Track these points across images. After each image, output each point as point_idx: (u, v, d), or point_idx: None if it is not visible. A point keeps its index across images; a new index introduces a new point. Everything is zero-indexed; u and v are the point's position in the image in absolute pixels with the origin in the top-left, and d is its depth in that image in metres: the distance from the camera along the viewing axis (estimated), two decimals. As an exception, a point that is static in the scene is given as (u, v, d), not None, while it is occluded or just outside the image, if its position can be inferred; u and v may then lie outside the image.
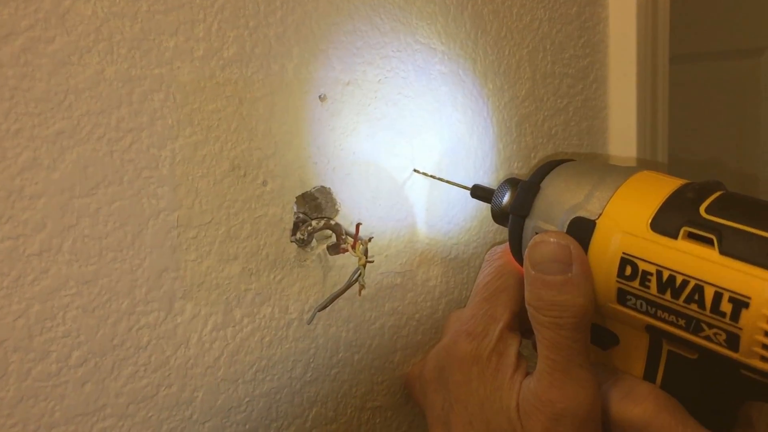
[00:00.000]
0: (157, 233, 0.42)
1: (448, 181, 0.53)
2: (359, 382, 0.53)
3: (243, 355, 0.46)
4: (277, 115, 0.46)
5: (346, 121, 0.49)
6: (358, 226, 0.48)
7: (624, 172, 0.42)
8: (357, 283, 0.48)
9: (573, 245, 0.40)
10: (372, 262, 0.50)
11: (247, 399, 0.47)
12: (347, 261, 0.50)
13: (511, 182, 0.47)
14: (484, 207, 0.58)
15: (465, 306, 0.52)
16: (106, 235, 0.40)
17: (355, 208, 0.51)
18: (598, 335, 0.43)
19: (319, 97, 0.48)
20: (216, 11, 0.43)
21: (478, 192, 0.50)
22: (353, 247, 0.48)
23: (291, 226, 0.48)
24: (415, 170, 0.54)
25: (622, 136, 0.69)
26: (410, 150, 0.53)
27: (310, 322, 0.49)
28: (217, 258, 0.44)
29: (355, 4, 0.49)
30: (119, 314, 0.41)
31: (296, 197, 0.48)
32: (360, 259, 0.48)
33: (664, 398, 0.40)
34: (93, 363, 0.40)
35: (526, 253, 0.42)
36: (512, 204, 0.45)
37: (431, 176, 0.53)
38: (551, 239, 0.41)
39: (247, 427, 0.48)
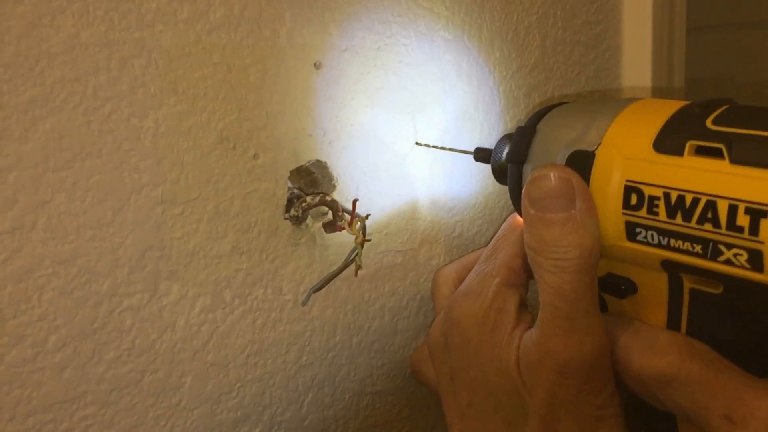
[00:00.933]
0: (139, 209, 0.39)
1: (450, 149, 0.50)
2: (358, 365, 0.51)
3: (234, 338, 0.44)
4: (268, 83, 0.43)
5: (344, 90, 0.46)
6: (354, 202, 0.46)
7: (624, 101, 0.39)
8: (353, 263, 0.46)
9: (575, 178, 0.37)
10: (369, 240, 0.47)
11: (238, 384, 0.45)
12: (345, 239, 0.48)
13: (508, 136, 0.44)
14: (489, 182, 0.55)
15: (450, 262, 0.50)
16: (84, 211, 0.37)
17: (353, 183, 0.48)
18: (612, 284, 0.39)
19: (314, 64, 0.45)
20: (201, -30, 0.39)
21: (481, 154, 0.47)
22: (350, 224, 0.45)
23: (284, 202, 0.45)
24: (417, 143, 0.51)
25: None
26: (412, 122, 0.50)
27: (305, 303, 0.46)
28: (205, 236, 0.42)
29: (353, -35, 0.45)
30: (100, 296, 0.39)
31: (290, 172, 0.45)
32: (357, 237, 0.45)
33: (689, 346, 0.36)
34: (72, 348, 0.38)
35: (524, 191, 0.38)
36: (509, 152, 0.42)
37: (433, 146, 0.50)
38: (551, 173, 0.37)
39: (238, 413, 0.45)
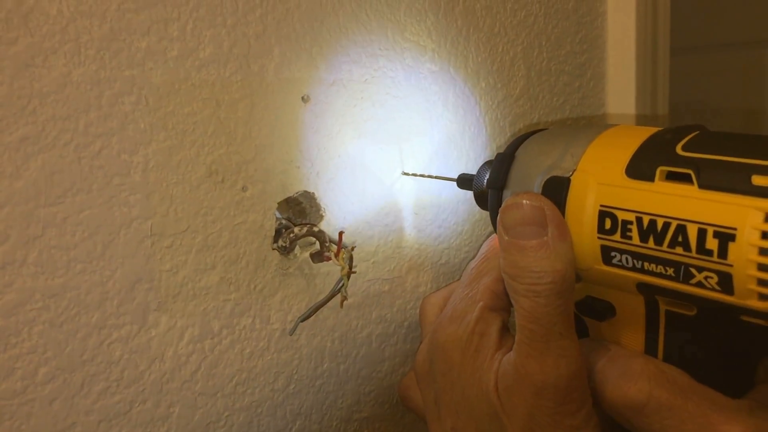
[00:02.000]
0: (129, 243, 0.40)
1: (436, 177, 0.51)
2: (345, 393, 0.52)
3: (222, 368, 0.45)
4: (256, 117, 0.44)
5: (331, 122, 0.47)
6: (341, 234, 0.46)
7: (599, 128, 0.40)
8: (339, 293, 0.47)
9: (547, 205, 0.38)
10: (355, 272, 0.48)
11: (226, 413, 0.45)
12: (332, 268, 0.48)
13: (489, 162, 0.45)
14: (475, 210, 0.56)
15: (437, 290, 0.50)
16: (74, 245, 0.38)
17: (340, 213, 0.49)
18: (591, 307, 0.40)
19: (302, 98, 0.46)
20: (191, 9, 0.40)
21: (463, 180, 0.48)
22: (336, 255, 0.46)
23: (272, 233, 0.46)
24: (404, 173, 0.52)
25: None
26: (398, 152, 0.51)
27: (292, 332, 0.47)
28: (193, 268, 0.42)
29: (340, 0, 0.46)
30: (89, 328, 0.39)
31: (279, 203, 0.46)
32: (343, 268, 0.46)
33: (659, 372, 0.37)
34: (61, 379, 0.39)
35: (498, 218, 0.39)
36: (488, 179, 0.43)
37: (420, 175, 0.51)
38: (523, 201, 0.38)
39: (226, 442, 0.46)
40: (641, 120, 0.66)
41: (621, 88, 0.66)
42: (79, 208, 0.38)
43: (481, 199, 0.46)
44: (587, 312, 0.40)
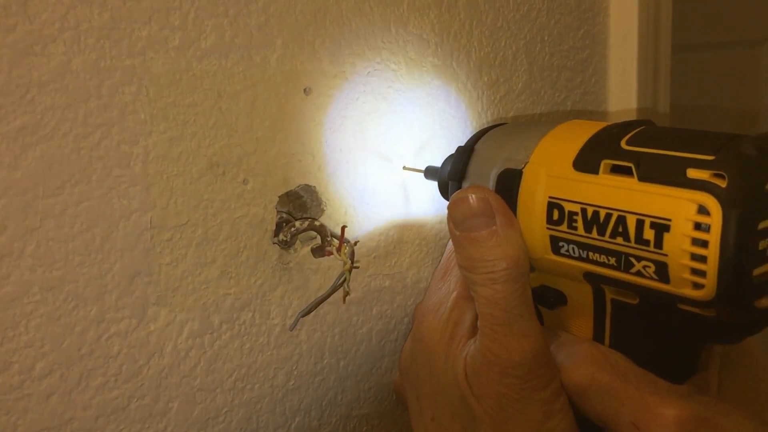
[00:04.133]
0: (128, 235, 0.39)
1: (407, 169, 0.51)
2: (345, 389, 0.51)
3: (221, 363, 0.44)
4: (258, 109, 0.43)
5: (333, 115, 0.47)
6: (343, 228, 0.46)
7: (553, 122, 0.41)
8: (342, 288, 0.46)
9: (491, 196, 0.39)
10: (358, 267, 0.47)
11: (225, 409, 0.45)
12: (333, 263, 0.48)
13: (452, 155, 0.46)
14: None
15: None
16: (72, 237, 0.37)
17: (341, 207, 0.48)
18: (543, 295, 0.42)
19: (304, 90, 0.45)
20: (193, -2, 0.40)
21: (430, 172, 0.50)
22: (338, 250, 0.45)
23: (273, 227, 0.45)
24: (404, 167, 0.51)
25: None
26: (400, 147, 0.51)
27: (292, 328, 0.46)
28: (193, 261, 0.42)
29: (344, -8, 0.46)
30: (87, 322, 0.38)
31: (279, 196, 0.45)
32: (345, 263, 0.45)
33: (602, 357, 0.38)
34: (59, 374, 0.38)
35: (447, 214, 0.41)
36: (449, 171, 0.45)
37: (420, 171, 0.51)
38: (469, 195, 0.40)
39: (225, 438, 0.45)
40: (643, 115, 0.66)
41: (623, 85, 0.66)
42: (77, 200, 0.37)
43: (444, 190, 0.47)
44: (541, 300, 0.42)
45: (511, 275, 0.38)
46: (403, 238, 0.52)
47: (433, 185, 0.52)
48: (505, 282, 0.38)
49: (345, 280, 0.46)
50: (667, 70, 0.68)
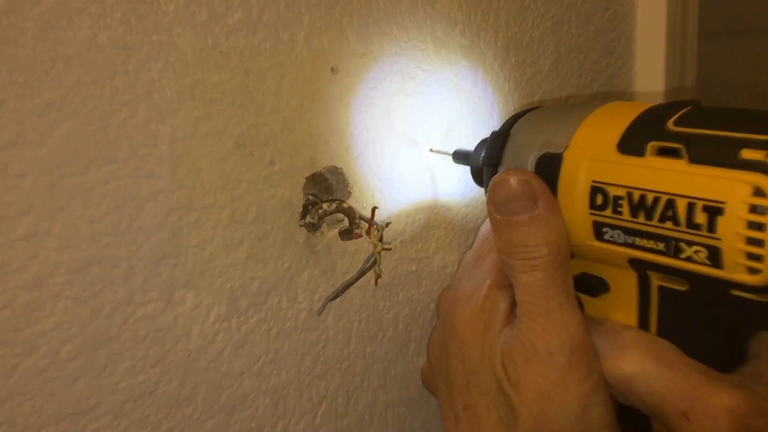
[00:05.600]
0: (155, 216, 0.38)
1: (434, 151, 0.50)
2: (371, 375, 0.50)
3: (248, 347, 0.43)
4: (285, 88, 0.42)
5: (360, 96, 0.46)
6: (374, 210, 0.45)
7: (592, 105, 0.40)
8: (372, 271, 0.45)
9: (534, 179, 0.38)
10: (389, 249, 0.46)
11: (252, 395, 0.44)
12: (360, 247, 0.47)
13: (484, 139, 0.45)
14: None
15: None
16: (99, 218, 0.36)
17: (368, 189, 0.47)
18: (585, 282, 0.40)
19: (331, 69, 0.44)
20: (220, -27, 0.39)
21: (459, 156, 0.49)
22: (368, 232, 0.44)
23: (300, 209, 0.44)
24: (431, 150, 0.50)
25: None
26: (427, 128, 0.50)
27: (320, 312, 0.45)
28: (220, 243, 0.41)
29: (371, -31, 0.45)
30: (114, 305, 0.38)
31: (306, 178, 0.44)
32: (376, 246, 0.44)
33: (649, 344, 0.37)
34: (85, 358, 0.37)
35: (487, 197, 0.40)
36: (484, 156, 0.43)
37: (447, 153, 0.50)
38: (510, 177, 0.38)
39: (252, 424, 0.44)
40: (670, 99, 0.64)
41: (649, 67, 0.65)
42: (104, 179, 0.36)
43: (477, 176, 0.46)
44: (581, 288, 0.40)
45: (552, 262, 0.37)
46: (430, 222, 0.51)
47: (461, 168, 0.51)
48: (546, 269, 0.37)
49: (375, 262, 0.45)
50: (694, 52, 0.67)
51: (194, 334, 0.41)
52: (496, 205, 0.39)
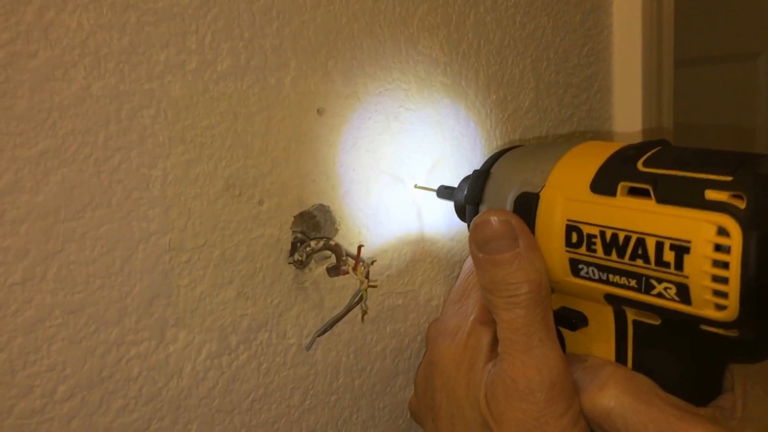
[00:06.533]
0: (147, 258, 0.39)
1: (419, 188, 0.51)
2: (360, 408, 0.51)
3: (239, 384, 0.44)
4: (273, 130, 0.43)
5: (346, 135, 0.47)
6: (359, 248, 0.46)
7: (568, 145, 0.42)
8: (359, 307, 0.46)
9: (513, 219, 0.39)
10: (375, 286, 0.47)
11: (243, 430, 0.45)
12: (347, 282, 0.48)
13: (468, 176, 0.46)
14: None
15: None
16: (93, 260, 0.38)
17: (355, 226, 0.48)
18: (565, 317, 0.42)
19: (318, 111, 0.46)
20: (209, 22, 0.40)
21: (444, 192, 0.50)
22: (354, 269, 0.45)
23: (288, 247, 0.45)
24: (416, 186, 0.52)
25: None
26: (411, 165, 0.51)
27: (309, 347, 0.47)
28: (211, 282, 0.42)
29: (354, 13, 0.46)
30: (108, 345, 0.39)
31: (294, 216, 0.45)
32: (362, 282, 0.45)
33: (626, 379, 0.38)
34: (80, 397, 0.38)
35: (469, 237, 0.41)
36: (466, 194, 0.45)
37: (432, 189, 0.51)
38: (491, 217, 0.40)
39: (243, 459, 0.45)
40: (648, 133, 0.66)
41: (627, 101, 0.67)
42: (98, 223, 0.37)
43: (460, 212, 0.48)
44: (562, 322, 0.42)
45: (533, 299, 0.38)
46: (416, 256, 0.52)
47: (444, 204, 0.52)
48: (527, 306, 0.38)
49: (362, 298, 0.46)
50: (670, 83, 0.69)
51: (186, 372, 0.42)
52: (478, 244, 0.40)
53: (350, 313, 0.48)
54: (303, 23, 0.44)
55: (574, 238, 0.37)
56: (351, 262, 0.46)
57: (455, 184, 0.52)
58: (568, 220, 0.38)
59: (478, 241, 0.40)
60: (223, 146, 0.41)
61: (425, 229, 0.53)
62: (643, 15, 0.65)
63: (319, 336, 0.46)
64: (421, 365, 0.49)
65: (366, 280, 0.46)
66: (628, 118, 0.67)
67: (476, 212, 0.43)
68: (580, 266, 0.38)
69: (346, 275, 0.46)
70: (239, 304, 0.43)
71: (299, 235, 0.46)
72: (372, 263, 0.47)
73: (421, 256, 0.53)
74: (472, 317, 0.44)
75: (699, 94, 1.26)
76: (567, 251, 0.38)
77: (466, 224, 0.46)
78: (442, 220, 0.54)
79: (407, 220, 0.52)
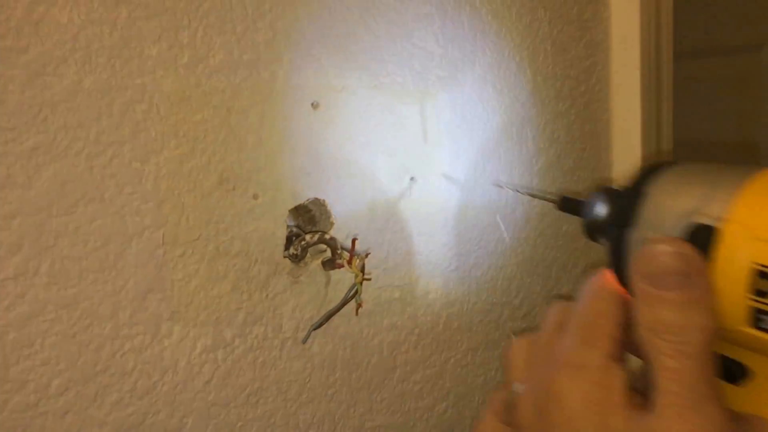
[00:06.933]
0: (141, 252, 0.39)
1: (532, 195, 0.48)
2: (357, 401, 0.51)
3: (235, 377, 0.44)
4: (267, 124, 0.43)
5: (341, 129, 0.47)
6: (354, 241, 0.46)
7: (747, 169, 0.36)
8: (354, 300, 0.46)
9: (692, 253, 0.34)
10: (369, 279, 0.47)
11: (239, 424, 0.45)
12: (343, 275, 0.48)
13: (605, 191, 0.41)
14: (483, 217, 0.56)
15: (526, 333, 0.48)
16: (86, 255, 0.38)
17: (350, 220, 0.48)
18: (726, 367, 0.37)
19: (312, 104, 0.45)
20: (201, 16, 0.40)
21: (568, 204, 0.44)
22: (349, 263, 0.45)
23: (284, 240, 0.45)
24: (495, 184, 0.50)
25: (626, 139, 0.67)
26: (407, 159, 0.51)
27: (305, 341, 0.47)
28: (205, 276, 0.42)
29: (348, 6, 0.46)
30: (102, 339, 0.39)
31: (289, 210, 0.45)
32: (357, 276, 0.45)
33: None
34: (74, 392, 0.38)
35: (634, 266, 0.35)
36: (612, 213, 0.40)
37: (515, 190, 0.49)
38: (667, 247, 0.34)
39: (240, 452, 0.45)
40: (647, 125, 0.66)
41: (625, 92, 0.66)
42: (91, 218, 0.37)
43: (592, 231, 0.42)
44: (723, 373, 0.37)
45: (706, 350, 0.34)
46: (412, 249, 0.52)
47: (441, 198, 0.52)
48: (698, 357, 0.33)
49: (357, 292, 0.46)
50: (669, 75, 0.68)
51: (181, 366, 0.42)
52: (646, 275, 0.35)
53: (346, 307, 0.48)
54: (296, 17, 0.44)
55: (762, 285, 0.33)
56: (346, 255, 0.46)
57: (457, 178, 0.51)
58: (756, 264, 0.33)
59: (646, 272, 0.35)
60: (216, 140, 0.41)
61: (421, 222, 0.53)
62: (641, 6, 0.64)
63: (315, 329, 0.46)
64: (526, 393, 0.43)
65: (361, 273, 0.46)
66: (626, 110, 0.67)
67: (622, 235, 0.39)
68: (764, 317, 0.33)
69: (342, 268, 0.46)
70: (234, 298, 0.43)
71: (294, 229, 0.46)
72: (367, 256, 0.47)
73: (417, 249, 0.53)
74: (603, 352, 0.39)
75: (702, 85, 1.25)
76: (750, 299, 0.33)
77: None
78: (438, 213, 0.54)
79: (403, 214, 0.51)
